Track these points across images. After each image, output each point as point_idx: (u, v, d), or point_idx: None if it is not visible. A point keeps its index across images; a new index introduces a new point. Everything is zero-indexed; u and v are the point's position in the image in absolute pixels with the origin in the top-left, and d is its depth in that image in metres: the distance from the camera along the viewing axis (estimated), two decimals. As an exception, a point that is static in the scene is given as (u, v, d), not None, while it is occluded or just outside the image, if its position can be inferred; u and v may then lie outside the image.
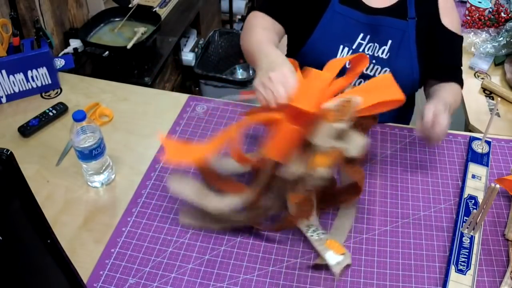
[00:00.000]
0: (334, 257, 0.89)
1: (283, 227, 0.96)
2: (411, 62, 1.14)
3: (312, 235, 0.93)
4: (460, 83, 1.19)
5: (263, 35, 1.11)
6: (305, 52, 1.17)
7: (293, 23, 1.18)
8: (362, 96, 0.89)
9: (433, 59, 1.17)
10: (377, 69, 1.15)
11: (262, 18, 1.17)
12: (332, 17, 1.14)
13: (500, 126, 1.31)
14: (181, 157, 0.93)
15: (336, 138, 0.86)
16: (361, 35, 1.14)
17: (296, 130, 0.88)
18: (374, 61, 1.15)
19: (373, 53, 1.15)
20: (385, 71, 1.15)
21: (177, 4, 2.12)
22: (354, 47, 1.14)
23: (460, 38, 1.19)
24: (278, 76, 0.90)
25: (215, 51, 2.36)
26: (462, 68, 1.22)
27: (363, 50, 1.15)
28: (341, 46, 1.14)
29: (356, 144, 0.87)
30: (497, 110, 1.38)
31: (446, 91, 1.12)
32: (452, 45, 1.18)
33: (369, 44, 1.15)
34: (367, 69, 1.16)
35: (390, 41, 1.14)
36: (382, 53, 1.14)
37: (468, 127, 1.36)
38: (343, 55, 1.15)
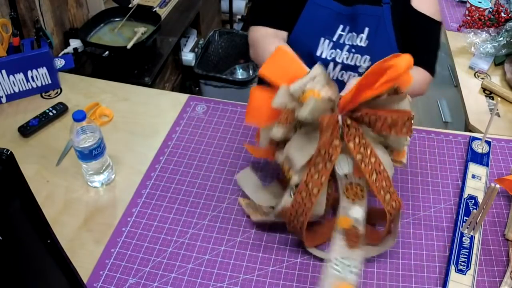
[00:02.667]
0: None
1: (316, 242, 0.94)
2: (390, 47, 1.15)
3: (335, 268, 0.84)
4: (430, 68, 1.17)
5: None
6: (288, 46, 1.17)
7: (287, 17, 1.18)
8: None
9: (407, 42, 1.17)
10: (356, 57, 1.16)
11: (265, 32, 1.17)
12: (312, 9, 1.15)
13: (500, 126, 1.31)
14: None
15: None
16: (341, 26, 1.15)
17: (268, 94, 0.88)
18: (353, 50, 1.15)
19: (352, 42, 1.15)
20: (365, 59, 1.15)
21: (177, 4, 2.12)
22: (334, 39, 1.16)
23: (436, 23, 1.17)
24: None
25: (215, 51, 2.36)
26: (464, 67, 1.21)
27: (343, 41, 1.15)
28: (322, 39, 1.16)
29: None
30: (497, 110, 1.38)
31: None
32: (423, 28, 1.17)
33: (349, 34, 1.15)
34: (347, 58, 1.16)
35: (367, 29, 1.14)
36: (361, 41, 1.15)
37: (468, 127, 1.36)
38: (324, 47, 1.16)
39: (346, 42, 1.15)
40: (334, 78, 1.18)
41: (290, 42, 1.17)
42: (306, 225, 0.88)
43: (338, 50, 1.15)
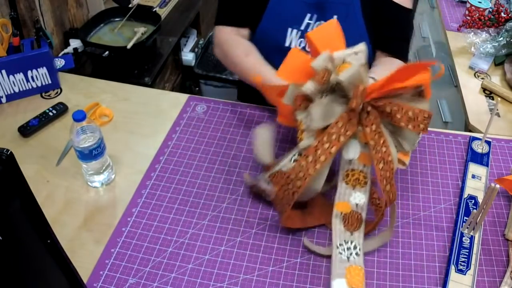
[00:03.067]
0: (344, 287, 0.84)
1: (294, 224, 0.95)
2: (360, 34, 1.15)
3: (341, 253, 0.87)
4: (403, 57, 1.18)
5: (245, 59, 1.15)
6: (255, 40, 1.18)
7: (251, 14, 1.20)
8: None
9: (378, 30, 1.17)
10: None
11: (229, 31, 1.20)
12: (278, 1, 1.15)
13: (500, 126, 1.31)
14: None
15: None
16: (308, 15, 1.16)
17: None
18: None
19: None
20: None
21: (177, 4, 2.12)
22: (302, 28, 1.16)
23: (407, 11, 1.17)
24: None
25: (215, 51, 2.36)
26: (464, 67, 1.21)
27: (312, 29, 1.16)
28: (290, 29, 1.16)
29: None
30: (497, 110, 1.38)
31: (383, 67, 1.13)
32: (394, 16, 1.17)
33: (317, 23, 1.16)
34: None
35: (335, 16, 1.14)
36: None
37: (468, 127, 1.36)
38: (292, 38, 1.16)
39: None
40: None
41: (257, 36, 1.18)
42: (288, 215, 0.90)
43: None
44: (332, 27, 0.96)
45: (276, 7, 1.16)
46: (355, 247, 0.88)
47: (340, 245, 0.88)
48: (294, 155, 0.90)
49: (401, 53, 1.19)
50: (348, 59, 0.88)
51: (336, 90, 0.87)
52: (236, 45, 1.18)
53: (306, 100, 0.89)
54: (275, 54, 1.15)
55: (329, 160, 0.85)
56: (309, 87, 0.87)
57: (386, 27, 1.17)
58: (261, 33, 1.19)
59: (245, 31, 1.23)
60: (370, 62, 1.22)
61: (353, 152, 0.87)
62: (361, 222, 0.88)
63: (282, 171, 0.90)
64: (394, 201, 0.88)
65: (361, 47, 0.89)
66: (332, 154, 0.84)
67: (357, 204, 0.88)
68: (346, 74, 0.83)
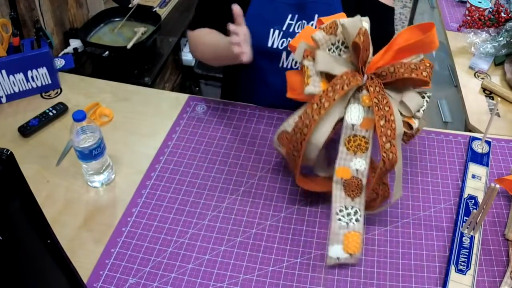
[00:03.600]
0: (338, 252, 0.88)
1: (316, 188, 0.97)
2: None
3: (340, 219, 0.89)
4: None
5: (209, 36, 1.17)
6: None
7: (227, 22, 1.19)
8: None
9: None
10: None
11: (201, 30, 1.20)
12: (259, 2, 1.16)
13: (500, 126, 1.31)
14: None
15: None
16: (290, 15, 1.16)
17: None
18: None
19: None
20: None
21: (177, 4, 2.12)
22: (284, 28, 1.16)
23: (388, 9, 1.17)
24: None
25: (215, 51, 2.36)
26: (464, 67, 1.21)
27: (293, 30, 1.16)
28: (272, 30, 1.16)
29: None
30: (497, 110, 1.38)
31: None
32: (378, 15, 1.15)
33: (298, 23, 1.16)
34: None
35: (316, 15, 1.14)
36: None
37: (468, 127, 1.36)
38: (274, 38, 1.17)
39: (297, 30, 1.16)
40: (288, 67, 1.19)
41: None
42: (300, 173, 0.95)
43: (289, 38, 1.16)
44: (310, 30, 0.99)
45: (257, 8, 1.16)
46: (355, 213, 0.89)
47: (340, 211, 0.90)
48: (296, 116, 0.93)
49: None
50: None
51: (342, 50, 0.92)
52: (202, 36, 1.19)
53: (314, 54, 0.93)
54: (258, 55, 1.15)
55: (331, 106, 0.87)
56: (318, 35, 0.91)
57: (369, 26, 1.17)
58: None
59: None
60: None
61: (356, 116, 0.89)
62: (361, 188, 0.89)
63: (287, 131, 0.94)
64: (395, 163, 0.87)
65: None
66: (336, 100, 0.86)
67: (357, 170, 0.89)
68: (347, 20, 0.90)
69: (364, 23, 0.93)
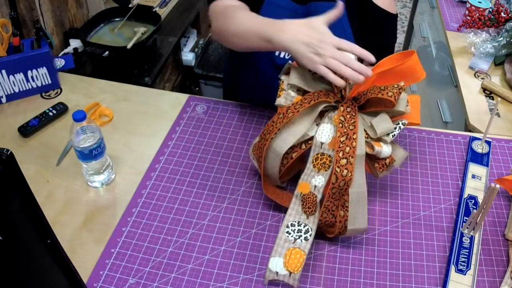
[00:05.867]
0: (278, 267, 0.85)
1: (280, 201, 0.99)
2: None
3: (289, 232, 0.88)
4: None
5: (246, 13, 1.06)
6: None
7: None
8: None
9: (363, 37, 1.16)
10: None
11: (232, 2, 1.10)
12: (269, 10, 1.14)
13: (500, 126, 1.31)
14: None
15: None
16: None
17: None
18: None
19: None
20: None
21: (177, 4, 2.12)
22: None
23: (392, 16, 1.16)
24: (324, 38, 0.90)
25: (215, 51, 2.36)
26: (464, 67, 1.21)
27: None
28: None
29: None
30: (497, 110, 1.38)
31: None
32: (381, 22, 1.16)
33: None
34: None
35: None
36: None
37: (468, 127, 1.36)
38: None
39: None
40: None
41: None
42: (267, 182, 0.98)
43: None
44: None
45: (269, 13, 1.15)
46: (306, 231, 0.88)
47: (291, 225, 0.89)
48: None
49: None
50: None
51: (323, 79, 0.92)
52: (232, 12, 1.06)
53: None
54: (266, 64, 1.15)
55: (295, 116, 0.89)
56: None
57: (372, 33, 1.16)
58: None
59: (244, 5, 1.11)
60: None
61: (326, 135, 0.90)
62: (316, 206, 0.89)
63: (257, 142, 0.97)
64: (349, 181, 0.85)
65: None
66: (299, 112, 0.88)
67: (315, 186, 0.89)
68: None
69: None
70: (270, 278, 0.86)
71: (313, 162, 0.90)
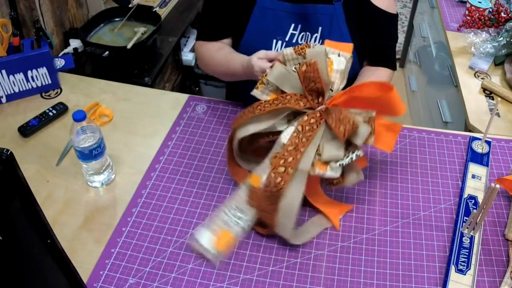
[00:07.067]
0: (206, 241, 0.89)
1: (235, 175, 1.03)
2: None
3: (227, 214, 0.92)
4: (391, 63, 1.19)
5: (223, 54, 1.16)
6: (239, 52, 1.17)
7: (234, 28, 1.19)
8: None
9: (363, 39, 1.17)
10: None
11: (211, 45, 1.20)
12: (260, 13, 1.14)
13: (500, 126, 1.32)
14: None
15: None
16: (292, 25, 1.15)
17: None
18: None
19: (306, 42, 1.15)
20: None
21: (177, 4, 2.12)
22: (287, 39, 1.15)
23: (393, 16, 1.16)
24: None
25: (215, 51, 2.36)
26: (464, 67, 1.21)
27: (296, 41, 1.15)
28: (274, 40, 1.16)
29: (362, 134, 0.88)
30: (497, 110, 1.38)
31: (367, 78, 1.13)
32: (380, 23, 1.16)
33: (302, 34, 1.15)
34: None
35: (320, 28, 1.13)
36: (315, 41, 1.15)
37: (468, 127, 1.36)
38: (278, 49, 1.16)
39: (300, 41, 1.15)
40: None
41: (242, 48, 1.17)
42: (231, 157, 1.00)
43: None
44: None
45: (259, 18, 1.14)
46: (245, 222, 0.91)
47: (234, 209, 0.92)
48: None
49: (388, 60, 1.19)
50: (331, 55, 0.93)
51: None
52: (212, 51, 1.19)
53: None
54: None
55: (261, 115, 0.91)
56: (287, 51, 0.93)
57: (372, 34, 1.16)
58: (246, 45, 1.17)
59: (227, 40, 1.21)
60: (357, 71, 1.21)
61: (288, 137, 0.90)
62: (260, 200, 0.90)
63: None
64: (278, 189, 0.85)
65: (346, 55, 0.94)
66: (264, 112, 0.90)
67: (264, 182, 0.90)
68: (314, 49, 0.90)
69: (333, 56, 0.93)
70: (193, 248, 0.89)
71: (270, 159, 0.90)
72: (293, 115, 0.93)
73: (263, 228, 0.95)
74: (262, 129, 0.91)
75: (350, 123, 0.85)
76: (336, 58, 0.93)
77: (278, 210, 0.87)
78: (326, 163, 0.89)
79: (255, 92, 0.95)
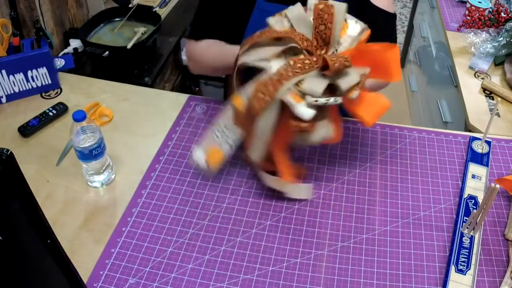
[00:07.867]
0: (200, 159, 0.98)
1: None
2: None
3: (215, 133, 0.98)
4: None
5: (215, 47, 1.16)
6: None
7: (230, 28, 1.19)
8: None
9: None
10: None
11: (204, 42, 1.19)
12: (260, 16, 1.14)
13: (500, 126, 1.32)
14: None
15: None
16: None
17: None
18: None
19: None
20: None
21: (177, 4, 2.12)
22: None
23: (391, 15, 1.16)
24: None
25: (215, 51, 2.36)
26: (464, 67, 1.21)
27: None
28: None
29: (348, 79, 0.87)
30: (497, 110, 1.38)
31: None
32: (380, 23, 1.15)
33: None
34: None
35: None
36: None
37: (468, 127, 1.36)
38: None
39: None
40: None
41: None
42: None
43: None
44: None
45: (258, 21, 1.14)
46: (233, 140, 0.97)
47: (222, 127, 0.97)
48: None
49: None
50: (349, 20, 0.95)
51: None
52: (204, 46, 1.17)
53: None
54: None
55: (265, 42, 0.92)
56: (312, 1, 0.93)
57: (371, 33, 1.16)
58: None
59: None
60: None
61: (276, 65, 0.89)
62: (243, 122, 0.94)
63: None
64: (253, 110, 0.87)
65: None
66: (269, 37, 0.90)
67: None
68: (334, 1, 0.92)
69: (351, 21, 0.94)
70: (193, 165, 1.02)
71: (256, 83, 0.88)
72: (293, 55, 0.92)
73: (271, 164, 0.98)
74: (262, 57, 0.90)
75: (344, 58, 0.86)
76: (353, 24, 0.94)
77: (253, 132, 0.90)
78: (302, 97, 0.86)
79: (270, 19, 0.94)
